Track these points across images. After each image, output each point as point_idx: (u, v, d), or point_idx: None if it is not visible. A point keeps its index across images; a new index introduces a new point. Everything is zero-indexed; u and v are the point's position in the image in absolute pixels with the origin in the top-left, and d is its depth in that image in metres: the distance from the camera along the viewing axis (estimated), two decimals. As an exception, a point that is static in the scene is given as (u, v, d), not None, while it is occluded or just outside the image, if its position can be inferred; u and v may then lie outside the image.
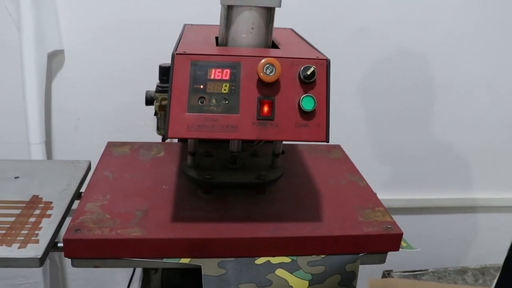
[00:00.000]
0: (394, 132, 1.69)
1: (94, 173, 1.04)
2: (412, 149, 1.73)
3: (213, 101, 0.77)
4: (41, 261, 0.80)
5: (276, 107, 0.78)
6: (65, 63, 1.45)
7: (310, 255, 0.85)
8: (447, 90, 1.65)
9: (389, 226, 0.89)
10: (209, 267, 0.81)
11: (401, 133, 1.69)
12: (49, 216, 0.91)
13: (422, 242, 1.79)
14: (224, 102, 0.77)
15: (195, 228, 0.84)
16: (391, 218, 0.92)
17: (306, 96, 0.78)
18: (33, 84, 1.34)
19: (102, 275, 1.77)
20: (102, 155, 1.13)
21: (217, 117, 0.77)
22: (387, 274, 1.66)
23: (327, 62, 0.79)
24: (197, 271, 0.82)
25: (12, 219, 0.90)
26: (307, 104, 0.78)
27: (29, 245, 0.82)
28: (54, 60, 1.44)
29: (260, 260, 0.83)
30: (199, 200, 0.94)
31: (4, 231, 0.85)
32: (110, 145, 1.18)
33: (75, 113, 1.51)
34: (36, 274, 1.68)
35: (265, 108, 0.78)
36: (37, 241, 0.83)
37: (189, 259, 0.82)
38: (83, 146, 1.53)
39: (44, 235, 0.85)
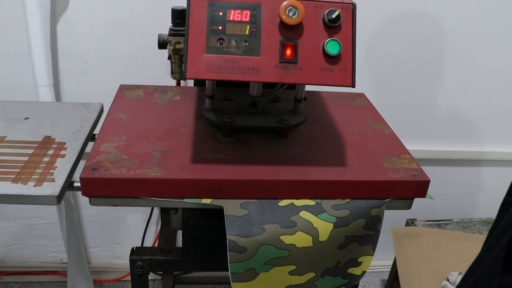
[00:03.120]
0: (418, 83, 1.69)
1: (107, 114, 1.07)
2: (438, 101, 1.73)
3: (233, 42, 0.80)
4: (58, 199, 0.84)
5: (299, 50, 0.81)
6: (69, 4, 1.45)
7: (335, 198, 0.89)
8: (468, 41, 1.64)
9: (416, 173, 0.92)
10: (232, 207, 0.85)
11: (427, 83, 1.70)
12: (63, 156, 0.95)
13: (448, 193, 1.83)
14: (244, 44, 0.80)
15: (216, 169, 0.88)
16: (418, 165, 0.95)
17: (331, 40, 0.80)
18: (37, 25, 1.35)
19: (118, 217, 1.82)
20: (115, 97, 1.16)
21: (237, 58, 0.79)
22: (410, 222, 1.69)
23: (353, 6, 0.81)
24: (218, 212, 0.85)
25: (25, 158, 0.93)
26: (332, 48, 0.80)
27: (45, 183, 0.86)
28: (58, 1, 1.44)
29: (283, 202, 0.87)
30: (219, 143, 0.97)
31: (18, 170, 0.89)
32: (123, 88, 1.21)
33: (83, 57, 1.52)
34: (51, 215, 1.74)
35: (288, 51, 0.80)
36: (52, 180, 0.87)
37: (210, 200, 0.86)
38: (93, 90, 1.54)
39: (60, 174, 0.89)
